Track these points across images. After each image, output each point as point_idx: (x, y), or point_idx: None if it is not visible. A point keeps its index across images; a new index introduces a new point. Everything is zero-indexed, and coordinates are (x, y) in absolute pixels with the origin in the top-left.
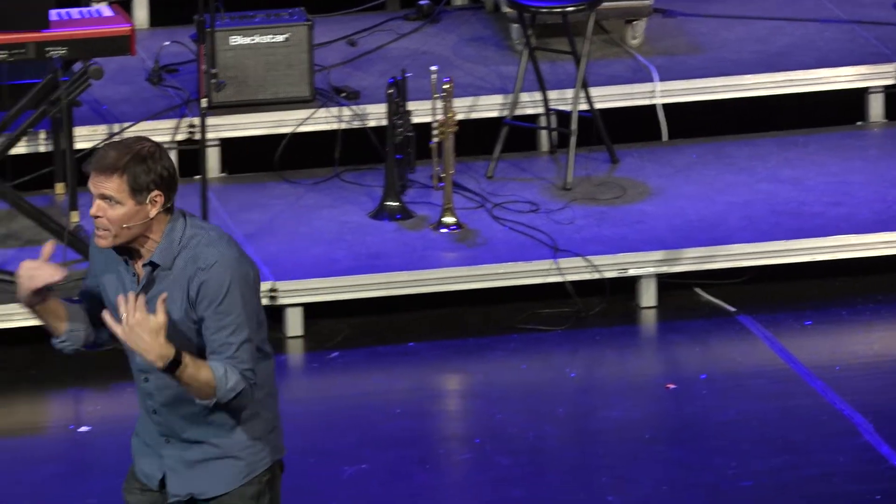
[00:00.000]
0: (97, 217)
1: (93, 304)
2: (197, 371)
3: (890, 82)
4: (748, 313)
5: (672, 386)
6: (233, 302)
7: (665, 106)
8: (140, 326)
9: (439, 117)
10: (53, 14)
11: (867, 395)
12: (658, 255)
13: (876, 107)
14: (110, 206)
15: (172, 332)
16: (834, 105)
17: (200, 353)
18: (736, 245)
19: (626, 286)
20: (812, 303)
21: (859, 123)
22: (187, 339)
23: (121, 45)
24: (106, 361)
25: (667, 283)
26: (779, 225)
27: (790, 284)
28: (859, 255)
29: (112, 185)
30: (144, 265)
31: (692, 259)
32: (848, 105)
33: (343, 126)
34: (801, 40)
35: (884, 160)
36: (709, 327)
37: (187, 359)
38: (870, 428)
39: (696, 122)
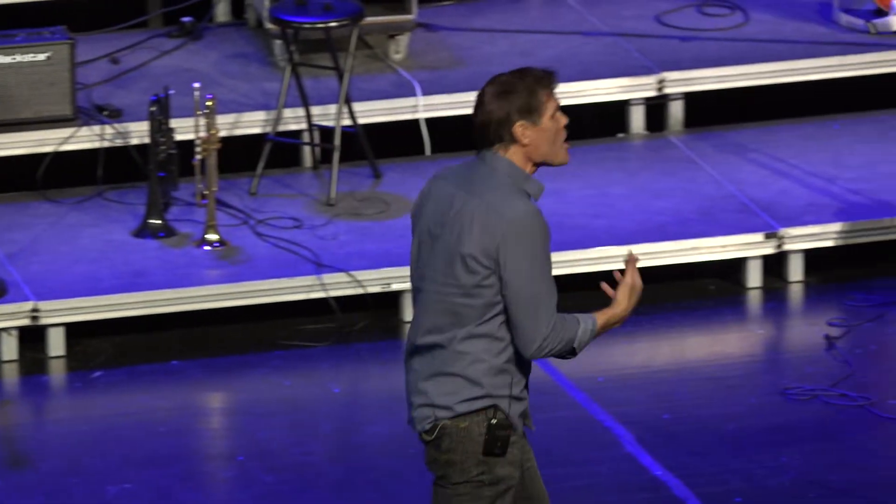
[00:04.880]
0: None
1: None
2: None
3: (651, 94)
4: None
5: None
6: None
7: (428, 120)
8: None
9: (202, 134)
10: None
11: (629, 406)
12: None
13: (637, 119)
14: None
15: None
16: (596, 117)
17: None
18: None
19: (390, 301)
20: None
21: (620, 136)
22: None
23: None
24: None
25: None
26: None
27: None
28: (619, 267)
29: None
30: None
31: None
32: (610, 117)
33: (105, 144)
34: (565, 53)
35: (644, 172)
36: None
37: None
38: (631, 439)
39: (458, 136)
